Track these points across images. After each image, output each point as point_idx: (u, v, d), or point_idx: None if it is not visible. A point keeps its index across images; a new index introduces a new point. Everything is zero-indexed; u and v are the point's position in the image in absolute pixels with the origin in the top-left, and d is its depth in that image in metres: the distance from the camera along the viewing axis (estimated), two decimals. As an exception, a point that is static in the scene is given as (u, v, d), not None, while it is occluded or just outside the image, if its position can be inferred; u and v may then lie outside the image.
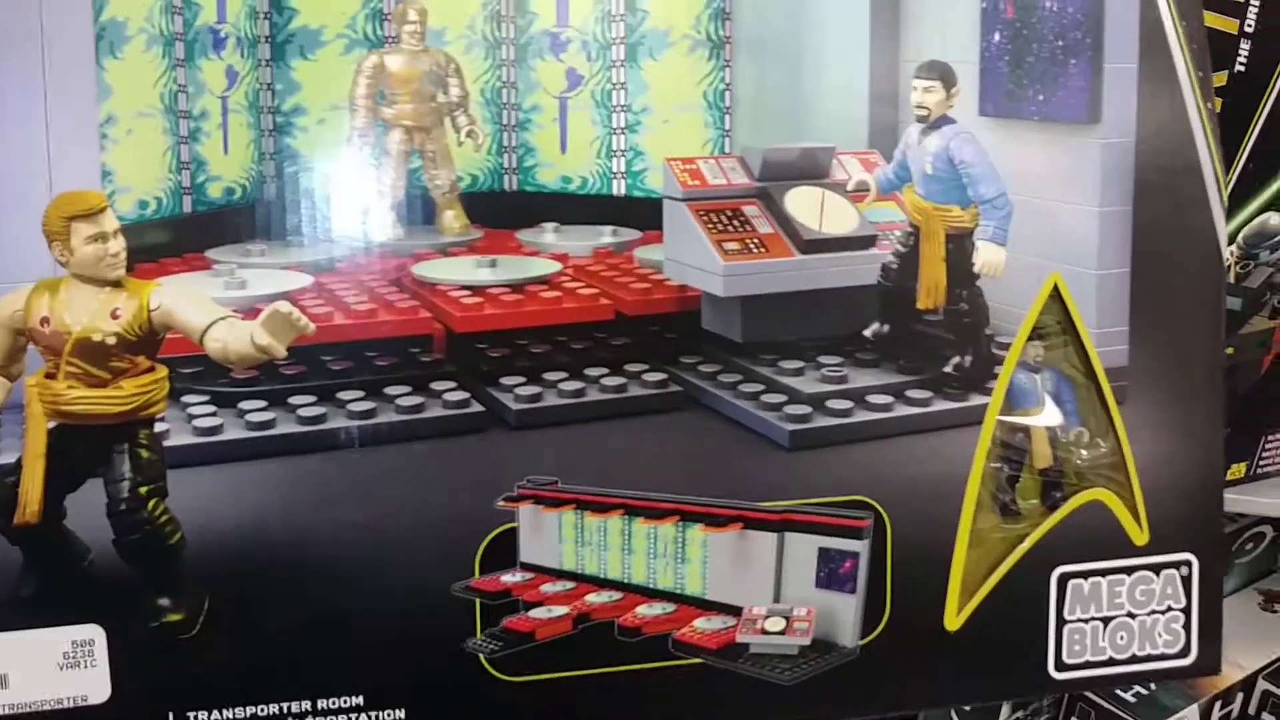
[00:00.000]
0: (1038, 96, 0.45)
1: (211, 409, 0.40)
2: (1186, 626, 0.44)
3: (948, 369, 0.43)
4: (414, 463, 0.39)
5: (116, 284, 0.39)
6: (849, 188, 0.43)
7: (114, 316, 0.38)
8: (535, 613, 0.39)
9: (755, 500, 0.39)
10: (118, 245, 0.38)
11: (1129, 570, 0.43)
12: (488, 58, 0.39)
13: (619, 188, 0.42)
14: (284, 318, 0.37)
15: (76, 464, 0.40)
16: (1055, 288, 0.41)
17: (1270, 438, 0.74)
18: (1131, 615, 0.43)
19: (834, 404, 0.42)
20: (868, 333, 0.43)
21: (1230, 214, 0.64)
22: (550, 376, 0.40)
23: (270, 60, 0.37)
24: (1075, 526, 0.43)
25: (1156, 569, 0.43)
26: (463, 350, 0.40)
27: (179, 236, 0.39)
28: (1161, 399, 0.44)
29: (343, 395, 0.40)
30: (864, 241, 0.42)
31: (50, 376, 0.39)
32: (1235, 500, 0.74)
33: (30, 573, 0.39)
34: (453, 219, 0.41)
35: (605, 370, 0.40)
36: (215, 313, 0.39)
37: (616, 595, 0.40)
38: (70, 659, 0.36)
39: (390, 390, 0.40)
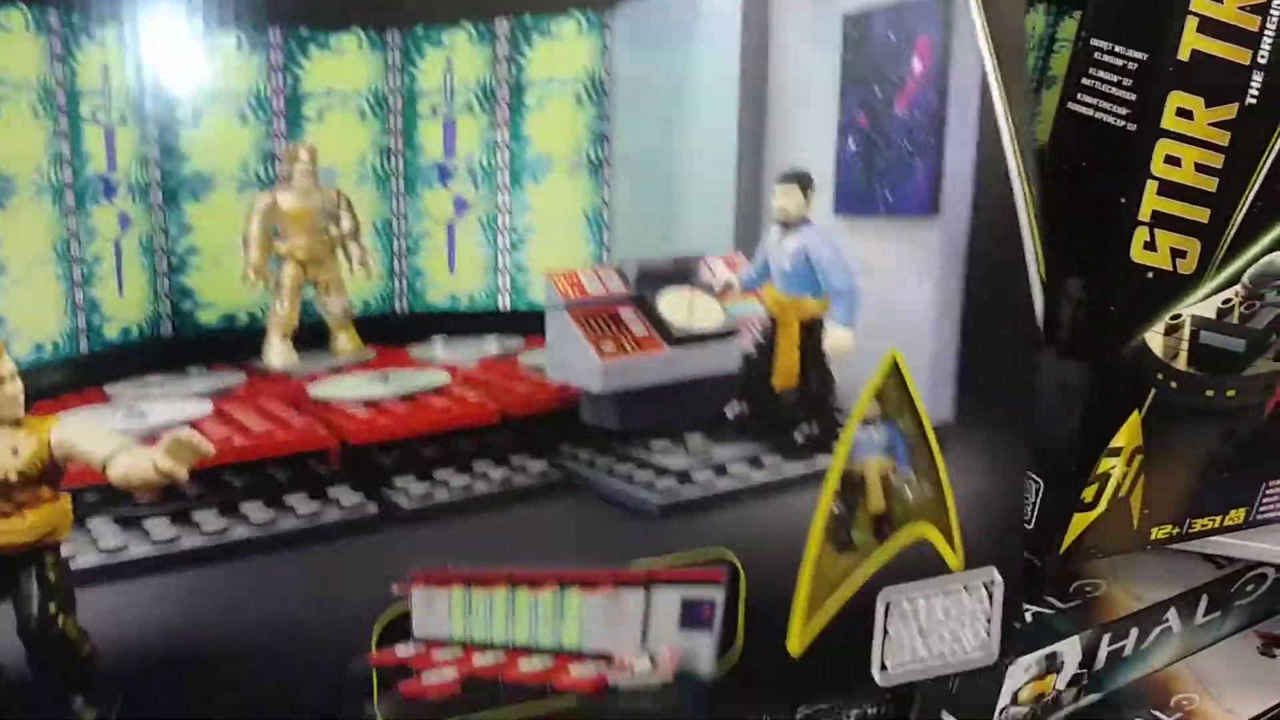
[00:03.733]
0: (887, 195, 0.50)
1: (118, 530, 0.42)
2: (989, 631, 0.54)
3: (798, 438, 0.49)
4: (315, 563, 0.43)
5: (16, 423, 0.40)
6: (715, 288, 0.48)
7: (14, 454, 0.40)
8: (426, 677, 0.43)
9: (629, 562, 0.45)
10: (14, 388, 0.39)
11: (945, 591, 0.52)
12: (378, 190, 0.42)
13: (505, 302, 0.46)
14: (184, 443, 0.39)
15: None
16: (894, 362, 0.49)
17: (1271, 485, 0.73)
18: (945, 626, 0.52)
19: (698, 476, 0.48)
20: (729, 413, 0.49)
21: (1236, 253, 0.63)
22: (440, 474, 0.45)
23: (163, 204, 0.40)
24: (901, 556, 0.51)
25: (968, 587, 0.52)
26: (359, 459, 0.44)
27: (77, 375, 0.41)
28: (979, 447, 0.52)
29: (245, 508, 0.43)
30: (727, 334, 0.48)
31: None
32: (1232, 545, 0.74)
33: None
34: (345, 341, 0.44)
35: (490, 464, 0.45)
36: (115, 443, 0.40)
37: (501, 656, 0.45)
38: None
39: (289, 499, 0.44)
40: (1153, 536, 0.70)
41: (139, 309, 0.41)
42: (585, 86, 0.46)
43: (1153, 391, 0.65)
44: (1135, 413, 0.65)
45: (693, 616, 0.46)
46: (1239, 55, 0.60)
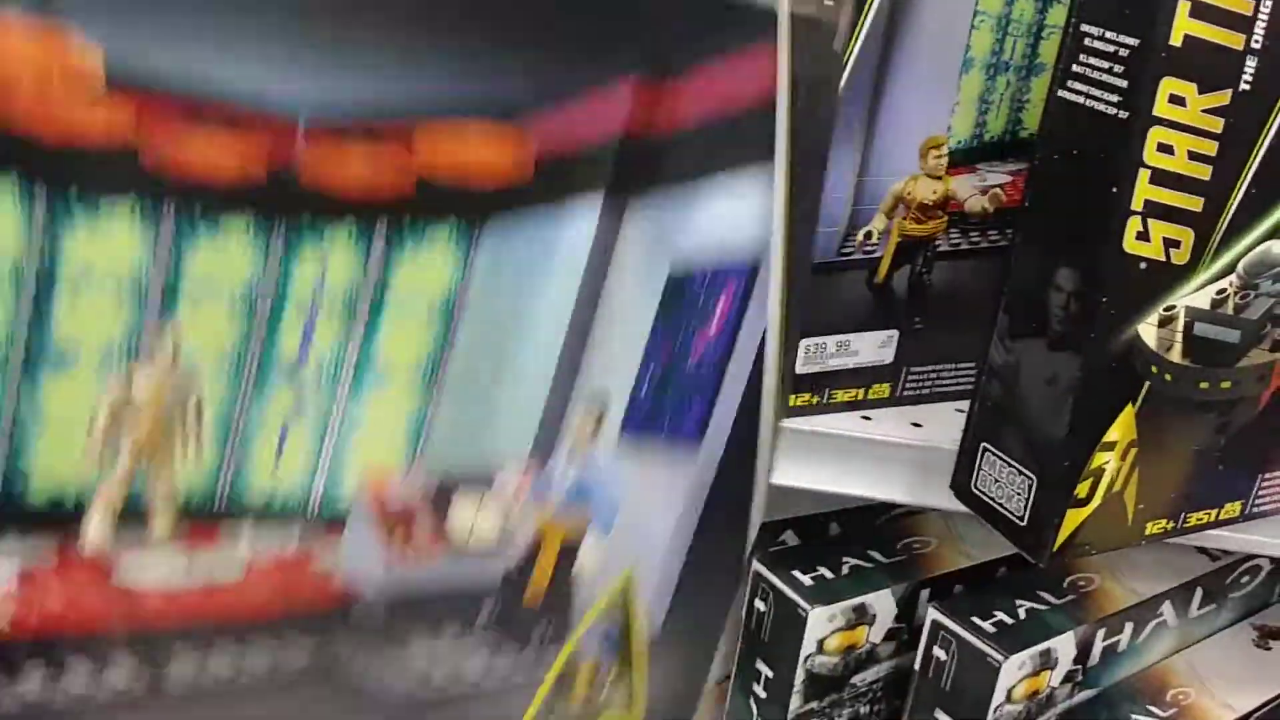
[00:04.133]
0: (665, 423, 0.58)
1: None
2: None
3: (532, 641, 0.56)
4: None
5: None
6: (503, 500, 0.53)
7: None
8: None
9: None
10: None
11: None
12: (229, 383, 0.42)
13: (315, 505, 0.46)
14: None
15: None
16: (628, 580, 0.57)
17: (1267, 477, 0.72)
18: None
19: (435, 679, 0.53)
20: (480, 619, 0.54)
21: (1230, 242, 0.62)
22: (215, 659, 0.46)
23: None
24: None
25: None
26: (144, 639, 0.44)
27: None
28: (674, 656, 0.60)
29: (22, 682, 0.42)
30: (498, 551, 0.53)
31: None
32: (1226, 538, 0.73)
33: None
34: (162, 525, 0.43)
35: (267, 652, 0.48)
36: None
37: None
38: None
39: (71, 672, 0.43)
40: (1147, 532, 0.69)
41: None
42: (441, 303, 0.48)
43: (1146, 384, 0.64)
44: (1129, 406, 0.64)
45: None
46: (1232, 40, 0.59)
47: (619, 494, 0.55)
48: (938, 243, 0.74)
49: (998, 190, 0.74)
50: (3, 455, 0.38)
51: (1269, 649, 0.92)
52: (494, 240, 0.48)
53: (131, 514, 0.41)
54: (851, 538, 0.89)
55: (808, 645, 0.79)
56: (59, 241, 0.37)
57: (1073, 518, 0.65)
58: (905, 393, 0.78)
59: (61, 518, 0.40)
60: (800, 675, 0.80)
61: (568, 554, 0.54)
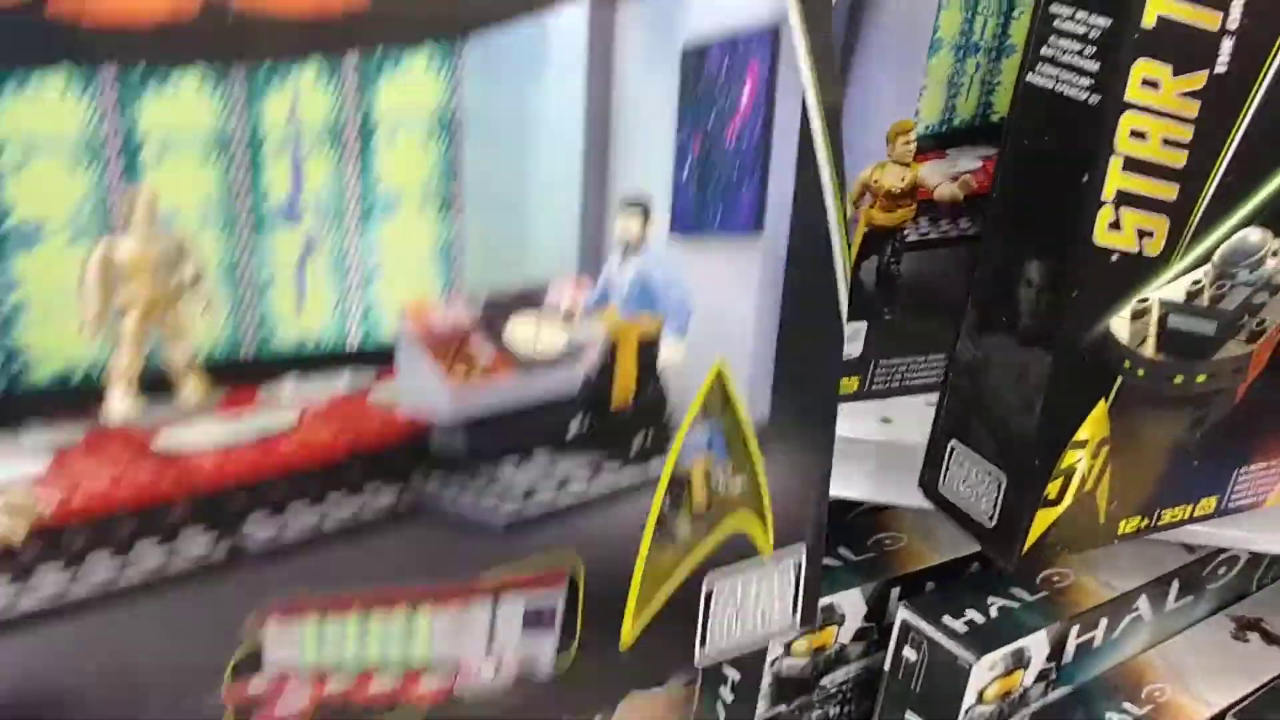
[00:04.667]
0: (716, 215, 0.53)
1: None
2: (795, 603, 0.60)
3: (632, 451, 0.53)
4: (166, 610, 0.42)
5: None
6: (560, 313, 0.50)
7: None
8: (278, 707, 0.44)
9: (477, 577, 0.48)
10: None
11: (759, 573, 0.58)
12: (224, 233, 0.40)
13: (354, 341, 0.45)
14: (16, 506, 0.38)
15: None
16: (719, 373, 0.54)
17: (1242, 472, 0.70)
18: (758, 605, 0.58)
19: (541, 493, 0.50)
20: (571, 430, 0.51)
21: (1205, 231, 0.60)
22: (292, 511, 0.44)
23: None
24: (721, 546, 0.56)
25: (778, 568, 0.58)
26: (208, 504, 0.43)
27: None
28: (789, 443, 0.57)
29: (90, 561, 0.41)
30: (570, 359, 0.51)
31: None
32: (1202, 534, 0.71)
33: None
34: (191, 388, 0.41)
35: (341, 496, 0.45)
36: None
37: (352, 679, 0.46)
38: None
39: (137, 549, 0.42)
40: (1120, 530, 0.67)
41: None
42: (436, 122, 0.45)
43: (1119, 380, 0.62)
44: (1101, 403, 0.62)
45: (535, 622, 0.50)
46: (1208, 20, 0.56)
47: (686, 293, 0.52)
48: (906, 232, 0.71)
49: (968, 177, 0.71)
50: (1, 348, 0.38)
51: (1247, 641, 0.91)
52: (479, 49, 0.44)
53: (158, 384, 0.40)
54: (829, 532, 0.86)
55: (774, 648, 0.77)
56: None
57: (1043, 518, 0.63)
58: (874, 386, 0.76)
59: (77, 396, 0.39)
60: (767, 679, 0.78)
61: (648, 354, 0.51)
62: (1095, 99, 0.57)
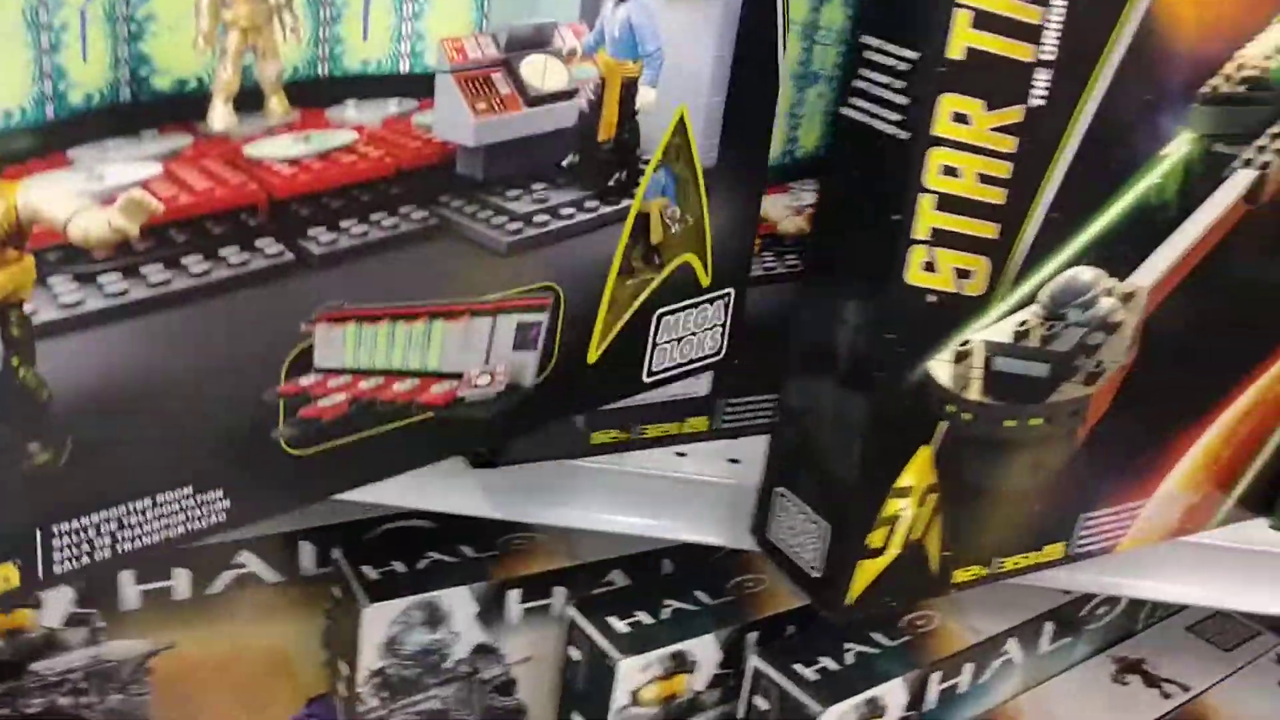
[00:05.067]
0: None
1: (75, 286, 0.45)
2: (723, 334, 0.65)
3: (610, 183, 0.58)
4: (240, 306, 0.48)
5: None
6: (564, 53, 0.56)
7: None
8: (321, 401, 0.51)
9: (482, 295, 0.55)
10: None
11: (698, 305, 0.63)
12: None
13: (405, 67, 0.51)
14: (135, 203, 0.43)
15: None
16: (681, 119, 0.59)
17: (1089, 516, 0.67)
18: (694, 334, 0.64)
19: (537, 218, 0.57)
20: (564, 163, 0.57)
21: (1030, 270, 0.58)
22: (345, 224, 0.50)
23: None
24: (667, 282, 0.61)
25: (712, 300, 0.63)
26: (281, 212, 0.49)
27: (43, 140, 0.43)
28: (729, 187, 0.62)
29: (186, 260, 0.47)
30: (570, 94, 0.56)
31: None
32: (1051, 578, 0.69)
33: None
34: (277, 104, 0.47)
35: (384, 213, 0.52)
36: (75, 204, 0.43)
37: (380, 380, 0.53)
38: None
39: (223, 251, 0.48)
40: (955, 580, 0.64)
41: (100, 75, 0.43)
42: None
43: (944, 425, 0.59)
44: (924, 448, 0.59)
45: (523, 338, 0.57)
46: (1021, 51, 0.54)
47: (661, 42, 0.57)
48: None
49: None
50: (131, 55, 0.43)
51: (1126, 684, 0.88)
52: None
53: (249, 98, 0.46)
54: (683, 576, 0.84)
55: (620, 697, 0.74)
56: None
57: (868, 569, 0.61)
58: (724, 425, 0.73)
59: (188, 105, 0.45)
60: (612, 729, 0.75)
61: (629, 95, 0.57)
62: (904, 135, 0.55)
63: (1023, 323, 0.59)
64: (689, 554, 0.85)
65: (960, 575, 0.64)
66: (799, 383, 0.62)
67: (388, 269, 0.51)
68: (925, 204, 0.55)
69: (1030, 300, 0.59)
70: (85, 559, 0.48)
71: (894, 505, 0.60)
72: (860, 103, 0.57)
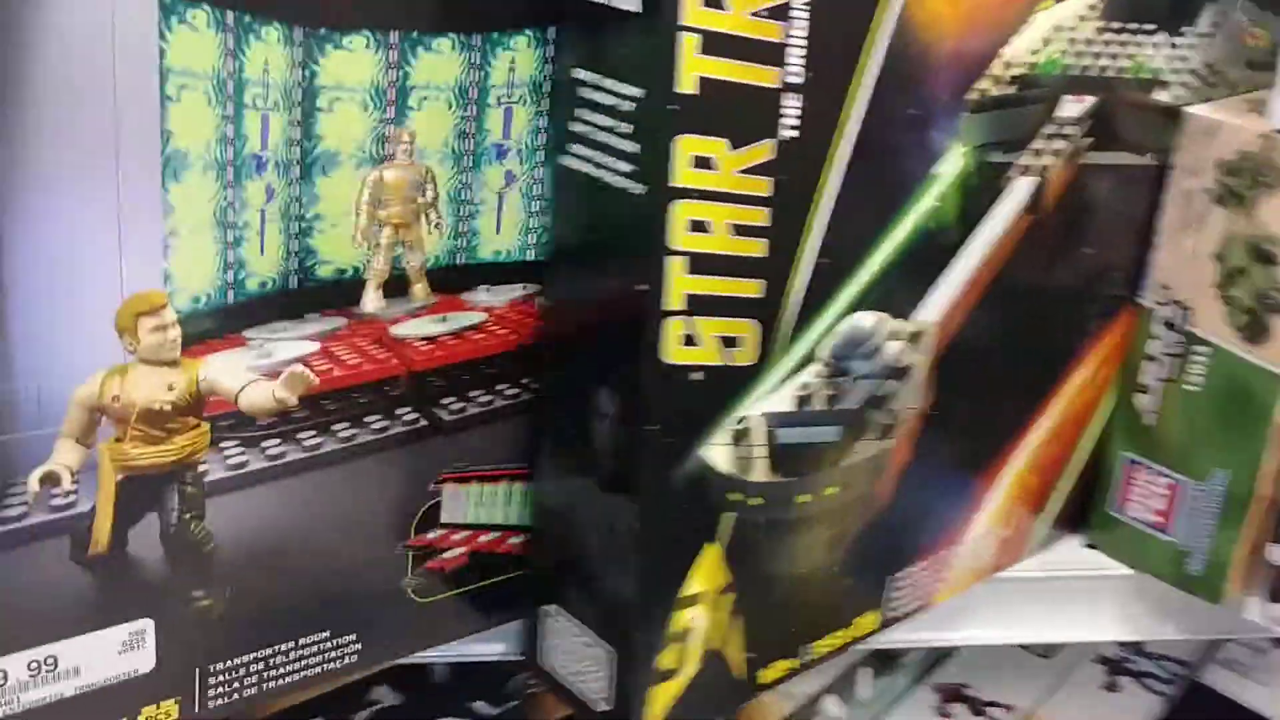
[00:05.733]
0: None
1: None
2: None
3: None
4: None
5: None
6: None
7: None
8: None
9: None
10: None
11: None
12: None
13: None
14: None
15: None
16: None
17: (896, 577, 0.59)
18: None
19: None
20: None
21: (805, 325, 0.50)
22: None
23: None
24: None
25: None
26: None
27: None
28: None
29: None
30: None
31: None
32: (876, 641, 0.60)
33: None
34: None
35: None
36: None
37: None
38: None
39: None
40: (764, 680, 0.55)
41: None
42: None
43: (730, 516, 0.50)
44: (710, 547, 0.50)
45: None
46: (763, 76, 0.45)
47: None
48: (202, 466, 0.48)
49: (302, 368, 0.49)
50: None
51: (951, 716, 0.82)
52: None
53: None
54: (461, 686, 0.73)
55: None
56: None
57: (663, 693, 0.51)
58: (212, 705, 0.50)
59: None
60: None
61: None
62: (639, 188, 0.45)
63: (804, 386, 0.51)
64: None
65: (767, 675, 0.55)
66: (555, 487, 0.53)
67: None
68: (675, 268, 0.45)
69: (809, 359, 0.50)
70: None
71: (683, 618, 0.50)
72: (582, 149, 0.47)
